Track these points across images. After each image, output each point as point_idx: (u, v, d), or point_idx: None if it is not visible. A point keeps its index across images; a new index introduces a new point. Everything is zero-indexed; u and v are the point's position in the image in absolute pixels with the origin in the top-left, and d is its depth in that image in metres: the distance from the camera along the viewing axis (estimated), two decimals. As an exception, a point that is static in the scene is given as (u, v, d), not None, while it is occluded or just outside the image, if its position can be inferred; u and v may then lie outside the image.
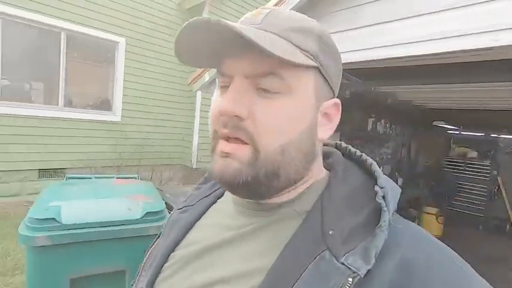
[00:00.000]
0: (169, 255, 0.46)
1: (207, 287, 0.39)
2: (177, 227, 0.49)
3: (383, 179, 0.38)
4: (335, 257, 0.33)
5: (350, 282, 0.31)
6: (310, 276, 0.33)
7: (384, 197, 0.35)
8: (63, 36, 4.25)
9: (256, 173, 0.36)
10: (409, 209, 4.65)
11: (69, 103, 4.50)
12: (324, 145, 0.48)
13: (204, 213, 0.50)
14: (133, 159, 4.81)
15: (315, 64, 0.37)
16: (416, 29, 1.63)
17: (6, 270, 2.51)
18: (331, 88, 0.41)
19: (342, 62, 0.44)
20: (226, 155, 0.37)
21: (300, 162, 0.39)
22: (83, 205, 1.37)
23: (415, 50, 1.64)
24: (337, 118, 0.43)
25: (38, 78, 4.34)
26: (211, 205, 0.50)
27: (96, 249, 1.32)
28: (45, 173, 4.30)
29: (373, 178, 0.39)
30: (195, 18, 0.34)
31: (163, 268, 0.45)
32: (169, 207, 1.71)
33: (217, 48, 0.38)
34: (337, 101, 0.42)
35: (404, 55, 1.69)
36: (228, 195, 0.49)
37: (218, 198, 0.51)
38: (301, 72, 0.37)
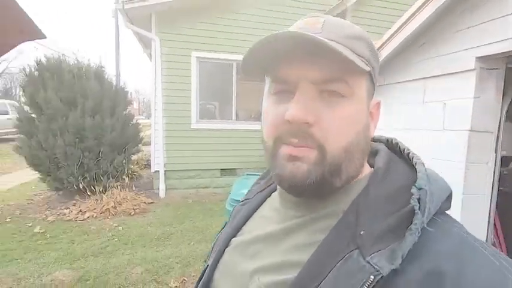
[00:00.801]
0: (230, 240, 0.51)
1: (250, 273, 0.43)
2: (238, 216, 0.54)
3: (424, 179, 0.36)
4: (362, 256, 0.33)
5: (371, 280, 0.31)
6: (337, 274, 0.34)
7: (419, 199, 0.34)
8: (234, 65, 5.46)
9: (323, 171, 0.38)
10: None
11: (238, 117, 5.71)
12: (375, 140, 0.49)
13: (260, 205, 0.54)
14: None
15: (369, 69, 0.39)
16: None
17: (208, 238, 3.52)
18: (374, 88, 0.43)
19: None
20: (295, 158, 0.38)
21: (358, 159, 0.41)
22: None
23: None
24: (378, 116, 0.45)
25: (218, 100, 5.78)
26: (266, 198, 0.55)
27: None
28: (225, 172, 5.62)
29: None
30: (273, 33, 0.35)
31: (225, 251, 0.51)
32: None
33: (279, 56, 0.38)
34: (379, 100, 0.45)
35: None
36: (278, 189, 0.50)
37: (272, 192, 0.55)
38: (360, 76, 0.39)
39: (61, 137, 4.34)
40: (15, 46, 0.64)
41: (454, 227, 0.36)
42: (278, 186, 0.49)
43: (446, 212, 0.39)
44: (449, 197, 0.39)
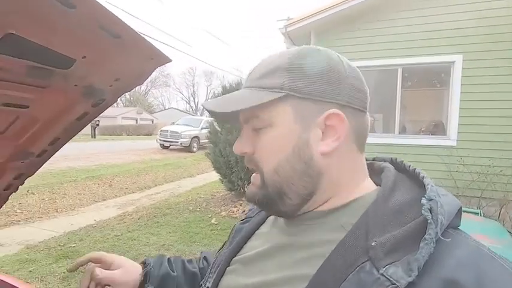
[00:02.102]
0: (231, 259, 0.52)
1: None
2: (239, 235, 0.55)
3: (434, 191, 0.37)
4: (375, 268, 0.33)
5: None
6: (349, 286, 0.34)
7: (430, 210, 0.34)
8: (399, 71, 4.77)
9: (266, 192, 0.45)
10: None
11: (403, 130, 4.89)
12: (380, 160, 0.52)
13: (262, 223, 0.55)
14: (473, 189, 4.14)
15: (282, 94, 0.42)
16: None
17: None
18: (320, 102, 0.42)
19: None
20: (251, 182, 0.48)
21: (300, 179, 0.43)
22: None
23: None
24: (342, 126, 0.43)
25: (379, 111, 5.19)
26: (268, 216, 0.55)
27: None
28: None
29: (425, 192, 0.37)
30: (204, 102, 0.49)
31: (226, 271, 0.51)
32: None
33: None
34: (334, 111, 0.42)
35: None
36: None
37: None
38: (274, 105, 0.43)
39: (234, 146, 5.24)
40: (150, 73, 0.73)
41: (468, 238, 0.37)
42: None
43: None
44: (459, 212, 0.39)
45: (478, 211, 1.69)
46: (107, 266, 0.62)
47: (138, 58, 0.65)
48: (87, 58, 0.60)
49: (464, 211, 1.51)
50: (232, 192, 5.81)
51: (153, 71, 0.73)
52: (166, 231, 4.12)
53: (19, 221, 4.37)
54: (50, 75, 0.61)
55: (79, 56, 0.58)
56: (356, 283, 0.33)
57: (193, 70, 55.53)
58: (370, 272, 0.33)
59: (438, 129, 4.77)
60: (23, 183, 1.01)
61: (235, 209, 5.08)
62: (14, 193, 1.03)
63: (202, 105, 0.51)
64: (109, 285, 0.60)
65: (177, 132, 13.51)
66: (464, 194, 4.18)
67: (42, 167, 0.99)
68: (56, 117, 0.77)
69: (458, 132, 4.45)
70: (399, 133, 4.86)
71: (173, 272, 0.65)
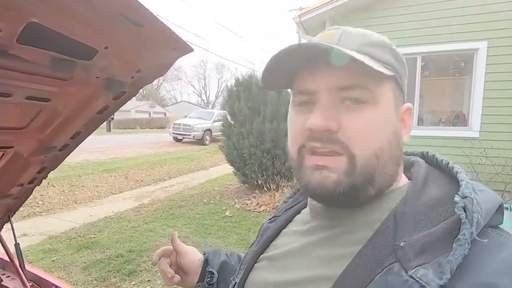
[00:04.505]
0: (259, 257, 0.51)
1: (281, 285, 0.43)
2: (267, 234, 0.54)
3: (469, 187, 0.34)
4: (404, 270, 0.31)
5: None
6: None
7: (465, 208, 0.32)
8: (418, 60, 4.59)
9: (354, 181, 0.37)
10: None
11: (421, 121, 4.73)
12: (409, 154, 0.49)
13: (289, 222, 0.53)
14: (496, 182, 3.99)
15: (393, 73, 0.39)
16: None
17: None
18: (404, 94, 0.43)
19: None
20: (322, 167, 0.38)
21: (392, 167, 0.40)
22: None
23: None
24: (410, 122, 0.44)
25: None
26: (296, 215, 0.54)
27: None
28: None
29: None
30: (292, 45, 0.37)
31: (253, 267, 0.51)
32: None
33: (299, 67, 0.40)
34: (410, 105, 0.44)
35: None
36: (308, 201, 0.50)
37: (302, 209, 0.53)
38: (383, 82, 0.39)
39: (247, 139, 5.23)
40: (172, 63, 0.70)
41: (509, 240, 0.34)
42: (308, 199, 0.49)
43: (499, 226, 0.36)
44: (499, 209, 0.36)
45: (508, 205, 1.61)
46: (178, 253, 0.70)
47: (161, 48, 0.62)
48: (109, 48, 0.57)
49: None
50: (246, 185, 5.82)
51: (175, 61, 0.70)
52: (182, 223, 4.18)
53: (41, 212, 4.53)
54: (73, 66, 0.59)
55: (101, 46, 0.56)
56: (383, 285, 0.32)
57: (204, 63, 55.57)
58: (398, 273, 0.31)
59: (459, 120, 4.59)
60: (47, 177, 1.02)
61: (249, 202, 5.09)
62: (37, 186, 1.04)
63: (312, 42, 0.38)
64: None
65: (189, 125, 13.62)
66: (489, 187, 4.02)
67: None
68: (77, 111, 0.76)
69: (481, 123, 4.26)
70: (418, 124, 4.71)
71: (231, 261, 0.71)
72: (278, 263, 0.47)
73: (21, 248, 1.11)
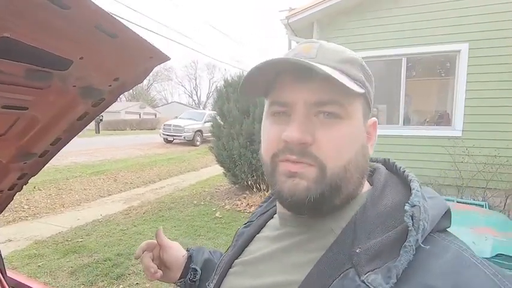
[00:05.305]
0: (233, 262, 0.52)
1: None
2: (241, 239, 0.55)
3: (418, 196, 0.37)
4: (358, 275, 0.34)
5: None
6: None
7: (412, 216, 0.34)
8: (403, 61, 4.69)
9: (323, 189, 0.39)
10: None
11: (407, 121, 4.84)
12: (373, 161, 0.51)
13: (262, 227, 0.55)
14: (477, 180, 4.12)
15: (364, 91, 0.42)
16: None
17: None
18: (370, 109, 0.45)
19: None
20: (294, 174, 0.40)
21: (358, 178, 0.42)
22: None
23: None
24: (375, 136, 0.47)
25: (383, 102, 5.14)
26: (269, 220, 0.55)
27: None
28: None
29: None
30: (272, 59, 0.38)
31: (228, 273, 0.52)
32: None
33: (277, 80, 0.42)
34: (375, 119, 0.47)
35: None
36: (277, 208, 0.51)
37: (274, 214, 0.55)
38: (355, 98, 0.41)
39: (237, 140, 5.24)
40: (150, 71, 0.72)
41: (452, 243, 0.36)
42: (277, 206, 0.50)
43: (447, 230, 0.39)
44: (446, 214, 0.39)
45: (483, 203, 1.68)
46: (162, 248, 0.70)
47: (136, 57, 0.64)
48: (84, 59, 0.59)
49: (470, 203, 1.50)
50: (236, 186, 5.83)
51: (152, 69, 0.72)
52: (171, 225, 4.16)
53: (27, 216, 4.44)
54: (48, 77, 0.60)
55: (76, 57, 0.57)
56: None
57: (195, 63, 55.26)
58: (353, 279, 0.34)
59: (443, 119, 4.72)
60: (27, 183, 1.01)
61: (239, 202, 5.10)
62: (18, 192, 1.03)
63: (287, 57, 0.39)
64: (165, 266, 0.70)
65: (180, 126, 13.53)
66: (469, 185, 4.15)
67: (45, 166, 0.99)
68: (56, 118, 0.76)
69: (463, 123, 4.39)
70: (403, 124, 4.81)
71: (214, 259, 0.72)
72: (250, 269, 0.48)
73: (1, 253, 1.10)
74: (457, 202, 1.73)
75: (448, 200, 1.84)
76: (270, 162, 0.42)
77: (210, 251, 0.75)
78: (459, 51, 4.36)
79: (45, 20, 0.46)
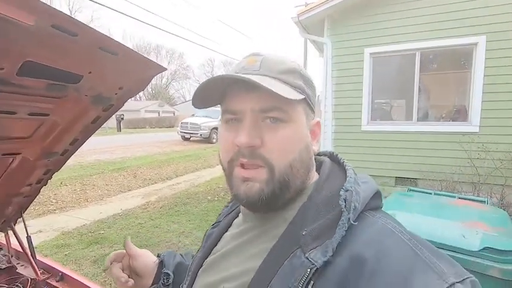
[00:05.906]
0: (203, 262, 0.56)
1: (216, 285, 0.48)
2: (210, 239, 0.59)
3: (351, 182, 0.44)
4: (303, 253, 0.39)
5: (308, 272, 0.37)
6: (283, 271, 0.40)
7: (345, 199, 0.41)
8: (417, 55, 4.60)
9: (273, 188, 0.44)
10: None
11: (422, 117, 4.75)
12: (321, 154, 0.57)
13: (229, 226, 0.58)
14: (495, 177, 3.99)
15: (304, 96, 0.47)
16: None
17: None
18: (313, 111, 0.51)
19: None
20: (247, 179, 0.45)
21: (304, 173, 0.48)
22: (414, 218, 1.45)
23: None
24: (319, 134, 0.53)
25: (395, 97, 5.06)
26: (235, 218, 0.59)
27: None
28: (401, 180, 4.87)
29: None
30: (219, 75, 0.44)
31: (198, 272, 0.55)
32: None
33: (225, 93, 0.48)
34: (319, 120, 0.53)
35: None
36: (240, 209, 0.56)
37: (240, 212, 0.58)
38: (297, 104, 0.46)
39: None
40: (150, 80, 0.83)
41: (380, 219, 0.42)
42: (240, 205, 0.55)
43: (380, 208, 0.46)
44: (376, 195, 0.45)
45: (485, 199, 1.69)
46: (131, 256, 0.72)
47: (135, 69, 0.75)
48: (92, 73, 0.71)
49: (472, 199, 1.51)
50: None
51: (152, 78, 0.83)
52: (186, 219, 4.35)
53: (55, 210, 4.78)
54: (64, 89, 0.72)
55: (85, 72, 0.69)
56: (288, 267, 0.39)
57: (211, 61, 55.87)
58: (299, 257, 0.39)
59: (459, 115, 4.58)
60: (51, 178, 1.16)
61: (252, 198, 5.21)
62: (44, 186, 1.19)
63: (232, 74, 0.44)
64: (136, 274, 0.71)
65: (196, 124, 13.82)
66: (486, 181, 4.03)
67: (67, 162, 1.13)
68: (73, 122, 0.90)
69: (480, 118, 4.26)
70: (417, 120, 4.73)
71: (186, 261, 0.74)
72: (216, 266, 0.52)
73: (32, 242, 1.26)
74: (459, 198, 1.73)
75: (450, 196, 1.85)
76: (227, 167, 0.47)
77: (181, 254, 0.77)
78: (476, 44, 4.22)
79: (59, 45, 0.58)
